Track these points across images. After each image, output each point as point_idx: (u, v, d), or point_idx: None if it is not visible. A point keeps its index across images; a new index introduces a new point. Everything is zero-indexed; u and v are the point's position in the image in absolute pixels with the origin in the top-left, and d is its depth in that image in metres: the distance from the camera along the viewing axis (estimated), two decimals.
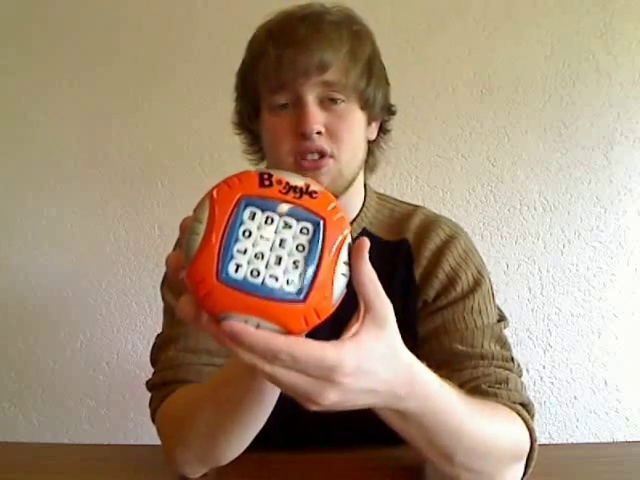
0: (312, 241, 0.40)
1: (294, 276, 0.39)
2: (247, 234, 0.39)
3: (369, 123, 0.76)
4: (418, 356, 0.51)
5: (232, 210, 0.40)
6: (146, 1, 1.53)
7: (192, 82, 1.51)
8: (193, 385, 0.69)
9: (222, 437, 0.63)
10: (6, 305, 1.58)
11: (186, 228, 0.41)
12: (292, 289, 0.39)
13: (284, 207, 0.40)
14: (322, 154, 0.69)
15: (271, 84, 0.70)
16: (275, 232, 0.40)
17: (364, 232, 0.80)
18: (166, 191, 1.53)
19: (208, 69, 1.50)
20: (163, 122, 1.52)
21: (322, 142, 0.69)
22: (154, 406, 0.73)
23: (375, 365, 0.44)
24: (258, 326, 0.39)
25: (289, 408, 0.76)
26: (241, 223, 0.40)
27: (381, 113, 0.78)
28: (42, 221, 1.56)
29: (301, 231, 0.40)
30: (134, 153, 1.53)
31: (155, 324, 0.78)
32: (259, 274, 0.39)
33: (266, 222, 0.40)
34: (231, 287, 0.38)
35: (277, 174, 0.41)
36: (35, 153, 1.55)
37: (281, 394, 0.76)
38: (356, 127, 0.73)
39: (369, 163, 0.81)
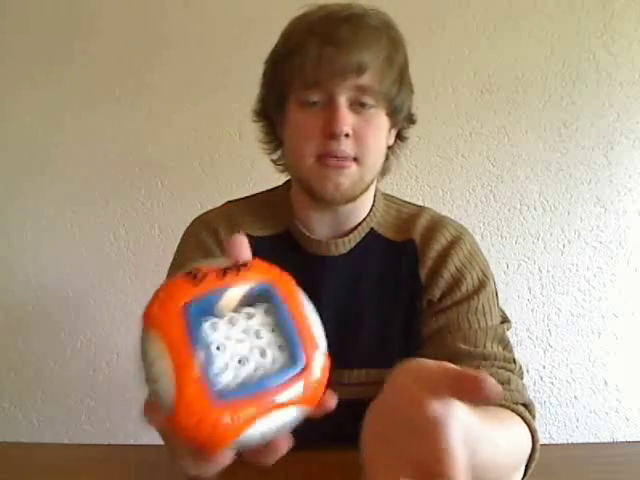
0: (278, 313, 0.36)
1: (284, 357, 0.35)
2: (222, 348, 0.34)
3: (390, 129, 0.77)
4: (421, 356, 0.50)
5: (186, 325, 0.33)
6: (146, 1, 1.53)
7: (192, 82, 1.51)
8: None
9: None
10: (6, 305, 1.58)
11: (142, 380, 0.35)
12: (287, 363, 0.35)
13: (232, 301, 0.35)
14: (345, 157, 0.70)
15: (306, 80, 0.69)
16: (245, 330, 0.35)
17: (371, 232, 0.80)
18: (166, 191, 1.53)
19: (208, 69, 1.50)
20: (163, 122, 1.52)
21: (348, 146, 0.69)
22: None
23: None
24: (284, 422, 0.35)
25: None
26: (206, 340, 0.34)
27: (403, 121, 0.79)
28: (42, 221, 1.56)
29: (265, 313, 0.36)
30: (134, 153, 1.53)
31: None
32: (251, 379, 0.34)
33: (231, 323, 0.35)
34: (237, 398, 0.33)
35: (200, 265, 0.36)
36: (35, 153, 1.55)
37: None
38: (381, 133, 0.74)
39: (382, 167, 0.81)
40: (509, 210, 1.51)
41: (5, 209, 1.57)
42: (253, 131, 1.54)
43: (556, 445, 1.36)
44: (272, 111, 0.78)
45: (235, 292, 0.35)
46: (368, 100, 0.70)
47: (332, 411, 0.40)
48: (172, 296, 0.34)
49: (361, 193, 0.75)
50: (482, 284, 0.77)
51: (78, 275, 1.56)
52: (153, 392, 0.33)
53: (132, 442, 1.54)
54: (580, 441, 1.55)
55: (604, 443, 1.42)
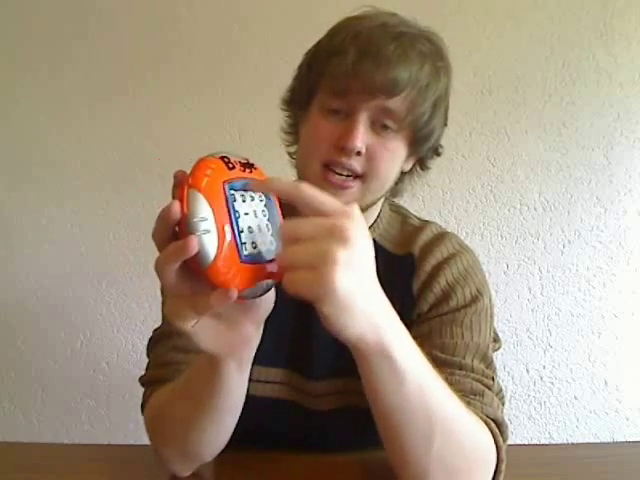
0: (267, 204, 0.49)
1: (272, 236, 0.48)
2: (238, 215, 0.45)
3: (409, 156, 0.75)
4: None
5: (226, 198, 0.45)
6: (146, 3, 1.53)
7: (192, 82, 1.51)
8: (170, 383, 0.69)
9: (194, 432, 0.63)
10: (6, 305, 1.58)
11: (183, 226, 0.43)
12: (275, 247, 0.47)
13: (247, 185, 0.47)
14: (351, 174, 0.68)
15: (335, 88, 0.68)
16: (249, 207, 0.47)
17: (373, 243, 0.79)
18: (166, 191, 1.53)
19: (208, 69, 1.50)
20: (163, 122, 1.52)
21: (357, 164, 0.68)
22: (142, 404, 0.74)
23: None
24: (267, 286, 0.48)
25: (288, 413, 0.76)
26: (237, 211, 0.45)
27: (426, 152, 0.77)
28: (42, 221, 1.56)
29: (259, 199, 0.48)
30: (134, 153, 1.53)
31: (155, 324, 0.78)
32: (256, 245, 0.46)
33: (242, 200, 0.46)
34: (249, 264, 0.45)
35: (229, 156, 0.48)
36: (35, 153, 1.55)
37: (279, 399, 0.77)
38: (395, 160, 0.72)
39: (395, 189, 0.80)
40: (509, 210, 1.52)
41: (5, 209, 1.57)
42: (253, 131, 1.55)
43: (556, 445, 1.36)
44: (297, 105, 0.76)
45: (248, 182, 0.47)
46: (391, 124, 0.68)
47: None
48: (213, 172, 0.45)
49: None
50: (474, 300, 0.74)
51: (78, 275, 1.56)
52: (202, 243, 0.43)
53: (132, 442, 1.54)
54: (580, 441, 1.55)
55: (604, 443, 1.42)
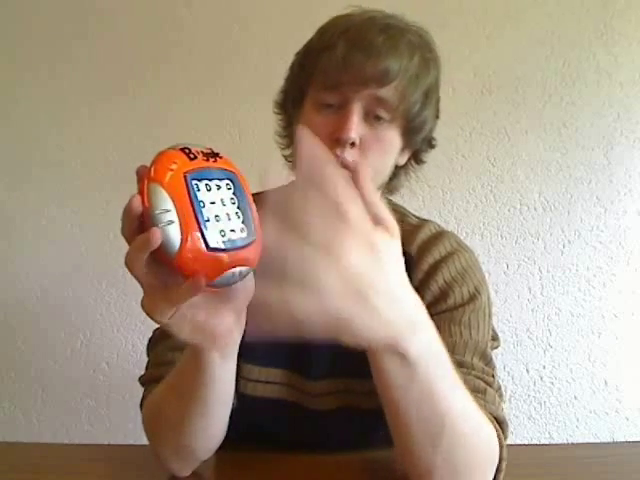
0: (236, 192, 0.48)
1: (243, 223, 0.47)
2: (202, 204, 0.45)
3: (403, 149, 0.75)
4: None
5: (187, 188, 0.45)
6: (146, 3, 1.53)
7: (192, 82, 1.51)
8: (163, 380, 0.68)
9: (185, 427, 0.63)
10: (6, 305, 1.58)
11: (147, 220, 0.44)
12: (246, 234, 0.47)
13: (213, 173, 0.47)
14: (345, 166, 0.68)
15: (326, 82, 0.68)
16: (215, 195, 0.47)
17: None
18: None
19: (208, 70, 1.51)
20: (163, 122, 1.52)
21: (351, 155, 0.68)
22: (140, 403, 0.74)
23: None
24: (240, 273, 0.47)
25: (288, 413, 0.76)
26: (200, 200, 0.45)
27: (420, 144, 0.77)
28: (42, 221, 1.56)
29: (227, 187, 0.48)
30: (134, 153, 1.53)
31: (155, 324, 0.79)
32: (225, 233, 0.46)
33: (207, 189, 0.46)
34: (218, 252, 0.45)
35: (190, 146, 0.48)
36: (35, 153, 1.55)
37: (279, 399, 0.77)
38: (390, 151, 0.72)
39: (390, 185, 0.80)
40: (509, 210, 1.52)
41: (5, 209, 1.57)
42: (253, 131, 1.55)
43: (556, 445, 1.36)
44: (290, 105, 0.77)
45: (213, 172, 0.47)
46: (383, 114, 0.68)
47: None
48: (176, 164, 0.46)
49: None
50: (472, 299, 0.74)
51: (78, 275, 1.56)
52: (166, 234, 0.43)
53: (132, 442, 1.54)
54: (580, 441, 1.55)
55: (604, 443, 1.42)
